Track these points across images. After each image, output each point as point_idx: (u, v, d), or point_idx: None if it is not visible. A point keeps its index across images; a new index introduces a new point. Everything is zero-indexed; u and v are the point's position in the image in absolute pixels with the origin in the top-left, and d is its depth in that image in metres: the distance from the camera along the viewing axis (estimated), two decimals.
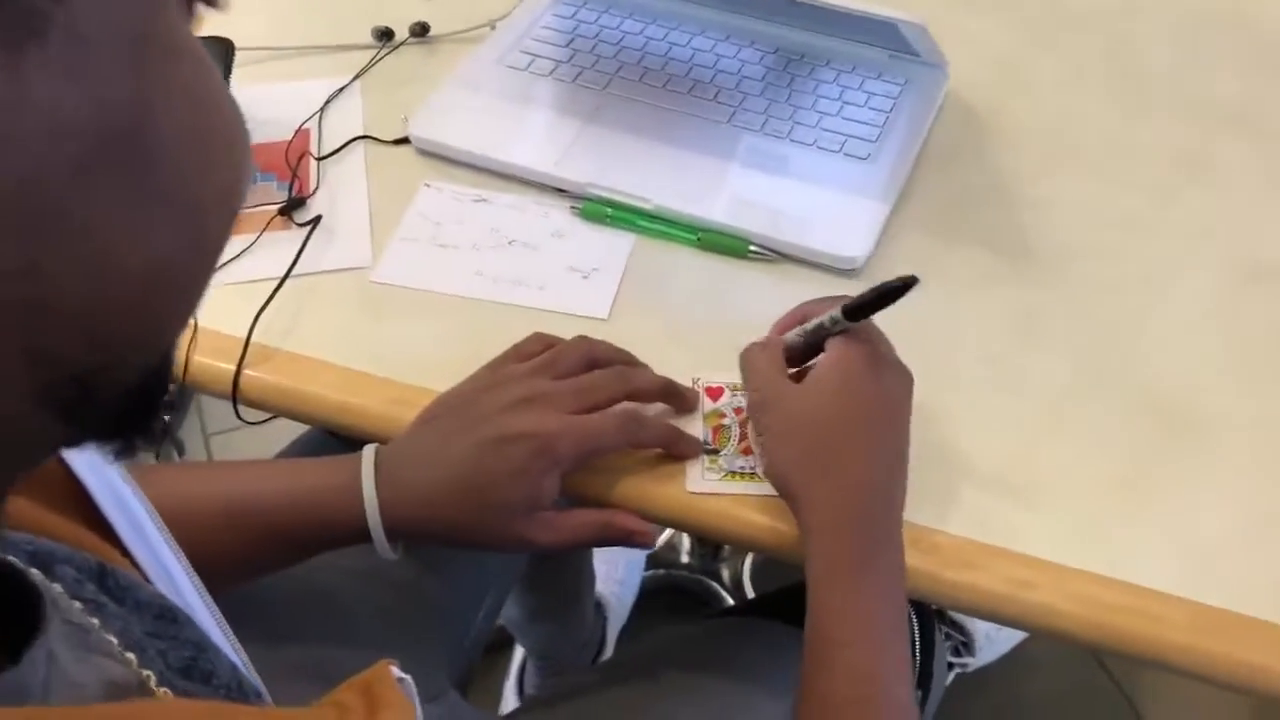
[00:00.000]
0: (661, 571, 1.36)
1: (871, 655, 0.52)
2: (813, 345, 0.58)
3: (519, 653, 1.25)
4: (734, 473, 0.59)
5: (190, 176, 0.25)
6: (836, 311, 0.56)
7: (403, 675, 0.32)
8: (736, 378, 0.61)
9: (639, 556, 1.32)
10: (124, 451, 0.29)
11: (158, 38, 0.24)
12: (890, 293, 0.54)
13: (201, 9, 0.27)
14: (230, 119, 0.27)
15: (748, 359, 0.59)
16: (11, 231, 0.22)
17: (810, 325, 0.58)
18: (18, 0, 0.21)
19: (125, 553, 0.44)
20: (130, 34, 0.23)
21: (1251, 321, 0.67)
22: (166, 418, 0.29)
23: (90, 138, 0.23)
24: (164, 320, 0.27)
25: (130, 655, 0.34)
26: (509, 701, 1.24)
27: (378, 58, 0.84)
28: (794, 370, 0.59)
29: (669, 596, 1.35)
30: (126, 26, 0.23)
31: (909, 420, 0.57)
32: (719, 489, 0.58)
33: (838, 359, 0.56)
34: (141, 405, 0.28)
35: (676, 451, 0.59)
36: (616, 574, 1.29)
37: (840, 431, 0.55)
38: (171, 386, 0.29)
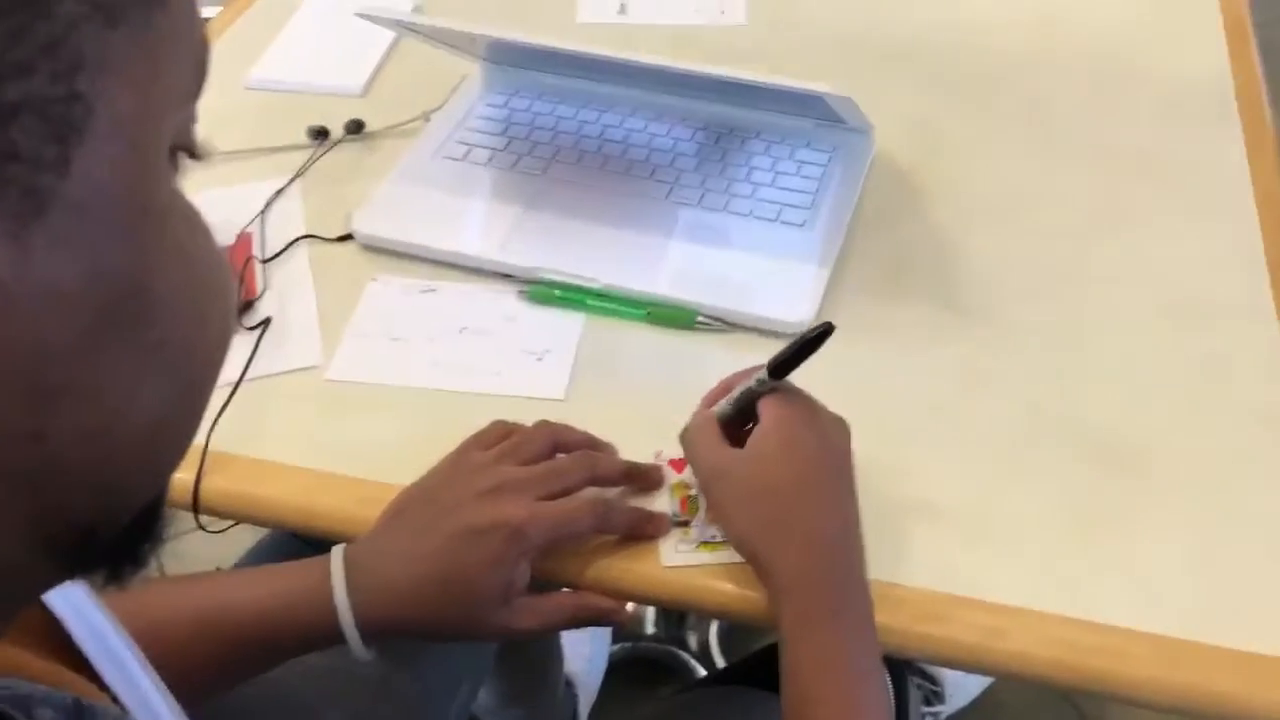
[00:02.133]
0: (628, 644, 1.35)
1: (849, 708, 0.52)
2: (743, 411, 0.59)
3: None
4: (706, 543, 0.59)
5: (186, 330, 0.26)
6: (762, 373, 0.57)
7: None
8: None
9: (605, 630, 1.31)
10: (114, 580, 0.29)
11: (151, 199, 0.24)
12: (810, 343, 0.55)
13: (185, 161, 0.27)
14: (218, 268, 0.27)
15: (686, 439, 0.60)
16: (20, 401, 0.22)
17: (736, 393, 0.59)
18: (22, 179, 0.21)
19: (100, 682, 0.44)
20: (126, 199, 0.23)
21: (1174, 355, 0.70)
22: (160, 544, 0.29)
23: (93, 306, 0.23)
24: (164, 465, 0.27)
25: None
26: None
27: (315, 157, 0.85)
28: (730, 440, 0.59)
29: (637, 668, 1.34)
30: (122, 192, 0.23)
31: (853, 467, 0.58)
32: (694, 560, 0.59)
33: (775, 421, 0.57)
34: (137, 538, 0.28)
35: (646, 534, 0.60)
36: (584, 650, 1.28)
37: (792, 491, 0.56)
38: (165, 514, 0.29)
